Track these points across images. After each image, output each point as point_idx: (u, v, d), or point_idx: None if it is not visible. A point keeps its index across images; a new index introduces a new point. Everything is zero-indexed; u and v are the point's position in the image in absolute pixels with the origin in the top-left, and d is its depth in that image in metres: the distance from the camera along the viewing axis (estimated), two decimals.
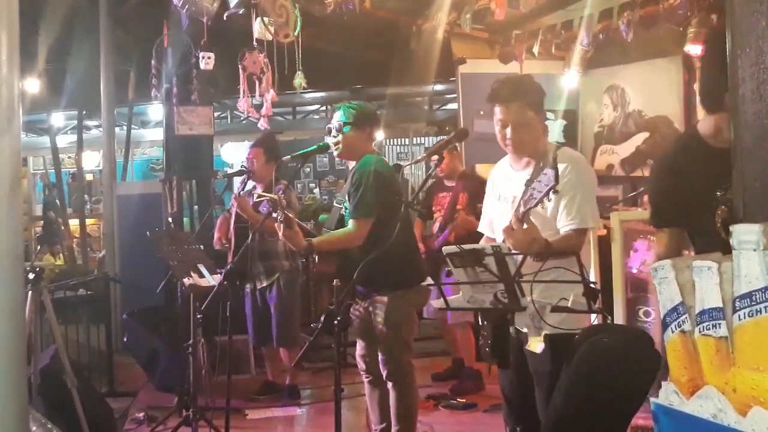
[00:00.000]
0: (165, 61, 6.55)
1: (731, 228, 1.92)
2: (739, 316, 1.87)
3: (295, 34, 5.36)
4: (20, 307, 2.77)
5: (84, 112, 10.72)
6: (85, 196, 12.32)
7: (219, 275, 4.60)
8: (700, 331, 1.99)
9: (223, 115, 14.16)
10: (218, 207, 7.95)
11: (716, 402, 1.90)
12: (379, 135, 9.46)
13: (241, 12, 5.44)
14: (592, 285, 2.62)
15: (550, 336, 2.91)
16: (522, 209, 2.80)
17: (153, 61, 6.35)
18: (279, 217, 3.67)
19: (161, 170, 9.94)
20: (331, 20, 5.59)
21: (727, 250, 1.93)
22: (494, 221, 3.34)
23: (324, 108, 13.83)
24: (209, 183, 7.45)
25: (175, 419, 5.01)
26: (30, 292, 4.09)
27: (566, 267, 2.61)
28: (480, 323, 3.01)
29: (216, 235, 5.69)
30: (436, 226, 6.12)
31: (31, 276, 4.14)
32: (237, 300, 5.05)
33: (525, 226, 2.80)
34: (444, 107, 13.73)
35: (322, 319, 2.84)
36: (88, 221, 11.29)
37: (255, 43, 5.49)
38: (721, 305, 1.94)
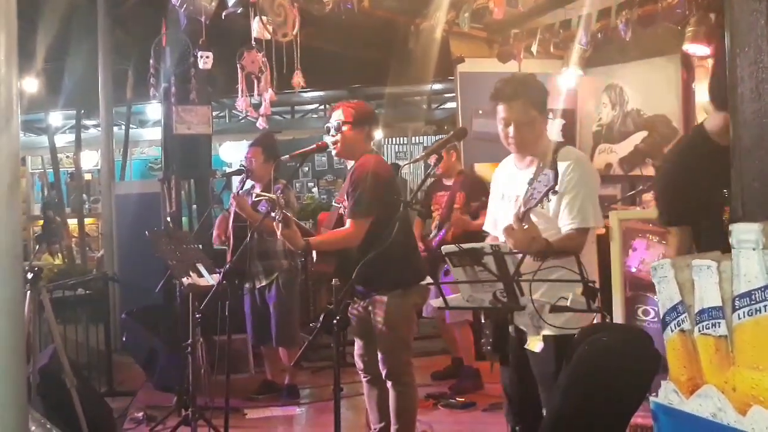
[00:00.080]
0: (163, 61, 6.53)
1: (730, 227, 1.92)
2: (739, 315, 1.87)
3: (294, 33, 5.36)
4: (19, 306, 2.77)
5: (82, 112, 10.70)
6: (84, 195, 12.31)
7: (218, 275, 4.59)
8: (699, 330, 1.99)
9: (222, 114, 14.16)
10: (217, 206, 7.95)
11: (716, 401, 1.90)
12: (378, 134, 9.47)
13: (239, 11, 5.43)
14: (591, 284, 2.62)
15: (554, 337, 2.91)
16: (522, 209, 2.80)
17: (151, 61, 6.33)
18: (277, 216, 3.66)
19: (160, 170, 9.93)
20: (330, 19, 5.58)
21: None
22: (498, 220, 3.34)
23: (322, 107, 13.83)
24: (208, 182, 7.44)
25: (174, 419, 5.01)
26: (29, 292, 4.09)
27: (565, 266, 2.61)
28: (482, 321, 3.01)
29: (215, 233, 5.69)
30: (434, 225, 6.12)
31: (29, 275, 4.13)
32: (236, 299, 5.04)
33: (525, 225, 2.80)
34: (442, 106, 13.73)
35: (321, 318, 2.84)
36: (87, 221, 11.27)
37: (253, 42, 5.48)
38: (720, 304, 1.94)
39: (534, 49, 6.15)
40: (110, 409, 5.21)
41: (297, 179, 14.46)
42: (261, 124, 5.94)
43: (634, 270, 5.16)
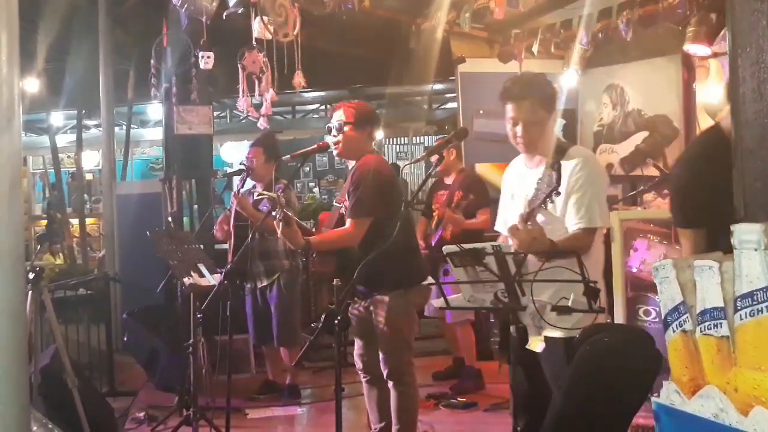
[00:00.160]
0: (164, 61, 6.54)
1: (732, 228, 1.92)
2: (741, 315, 1.87)
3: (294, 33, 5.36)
4: (21, 306, 2.77)
5: (83, 112, 10.72)
6: (85, 195, 12.31)
7: (219, 275, 4.60)
8: (701, 331, 1.99)
9: (223, 114, 14.16)
10: (218, 206, 7.95)
11: (718, 402, 1.90)
12: (379, 134, 9.47)
13: (240, 11, 5.43)
14: (592, 284, 2.62)
15: (564, 339, 2.91)
16: (526, 209, 2.81)
17: (152, 61, 6.34)
18: (278, 215, 3.67)
19: (161, 170, 9.94)
20: (331, 19, 5.59)
21: None
22: (508, 220, 3.34)
23: (323, 107, 13.83)
24: (209, 182, 7.44)
25: (176, 419, 5.01)
26: (30, 292, 4.09)
27: (568, 267, 2.61)
28: (491, 320, 3.01)
29: (216, 227, 5.67)
30: (434, 224, 6.12)
31: (31, 276, 4.13)
32: (237, 299, 5.04)
33: (530, 225, 2.81)
34: (443, 106, 13.73)
35: (323, 318, 2.84)
36: (88, 221, 11.28)
37: (254, 42, 5.48)
38: (722, 305, 1.94)
39: (535, 49, 6.15)
40: (111, 409, 5.21)
41: (298, 179, 14.47)
42: (262, 124, 5.95)
43: (635, 270, 5.16)
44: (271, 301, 5.64)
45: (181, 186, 7.11)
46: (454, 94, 7.78)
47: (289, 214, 3.76)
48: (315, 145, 3.95)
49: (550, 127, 3.25)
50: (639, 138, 6.33)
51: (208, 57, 5.80)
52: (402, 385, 3.96)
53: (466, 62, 6.77)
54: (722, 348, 1.93)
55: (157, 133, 12.45)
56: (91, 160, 13.42)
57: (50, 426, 3.77)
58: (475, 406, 5.43)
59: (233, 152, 13.61)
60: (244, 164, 5.53)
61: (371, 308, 3.93)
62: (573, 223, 3.06)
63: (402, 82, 9.25)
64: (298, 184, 14.61)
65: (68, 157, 13.63)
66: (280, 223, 3.67)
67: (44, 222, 12.24)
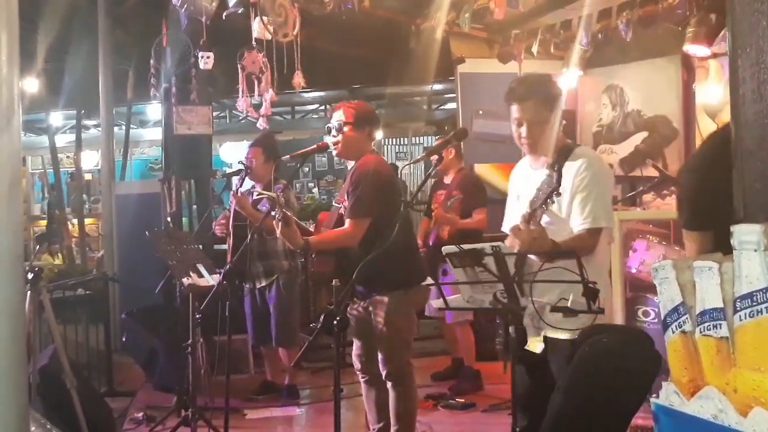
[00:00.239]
0: (164, 61, 6.53)
1: (732, 228, 1.92)
2: (740, 316, 1.87)
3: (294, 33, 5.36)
4: (20, 307, 2.77)
5: (83, 112, 10.70)
6: (84, 195, 12.30)
7: (218, 275, 4.59)
8: (700, 332, 1.99)
9: (222, 114, 14.16)
10: (217, 206, 7.95)
11: (717, 402, 1.90)
12: (378, 134, 9.48)
13: (240, 11, 5.44)
14: (591, 285, 2.61)
15: (570, 341, 2.90)
16: (528, 210, 2.81)
17: (152, 61, 6.34)
18: (277, 215, 3.66)
19: (160, 170, 9.93)
20: (330, 20, 5.59)
21: None
22: (514, 221, 3.34)
23: (323, 107, 13.83)
24: (208, 182, 7.44)
25: (174, 419, 5.01)
26: (29, 292, 4.08)
27: (568, 267, 2.60)
28: (497, 321, 3.00)
29: (216, 225, 5.66)
30: (433, 224, 6.12)
31: (30, 276, 4.13)
32: (236, 300, 5.04)
33: (532, 226, 2.81)
34: (443, 107, 13.73)
35: (322, 318, 2.84)
36: (87, 221, 11.27)
37: (254, 42, 5.48)
38: (721, 306, 1.94)
39: (534, 49, 6.16)
40: (110, 410, 5.21)
41: (297, 179, 14.46)
42: (261, 124, 5.95)
43: (634, 271, 5.16)
44: (270, 301, 5.64)
45: (180, 186, 7.10)
46: (454, 95, 7.79)
47: (289, 214, 3.76)
48: (314, 146, 3.95)
49: (555, 128, 3.24)
50: (638, 138, 6.33)
51: (208, 57, 5.80)
52: (401, 386, 3.95)
53: (466, 62, 6.78)
54: (722, 349, 1.93)
55: (156, 133, 12.44)
56: (91, 160, 13.40)
57: (48, 426, 3.77)
58: (474, 407, 5.43)
59: (232, 152, 13.60)
60: (243, 164, 5.53)
61: (370, 309, 3.93)
62: (577, 224, 3.05)
63: (402, 83, 9.26)
64: (298, 185, 14.60)
65: (67, 157, 13.60)
66: (280, 223, 3.67)
67: (43, 222, 12.24)
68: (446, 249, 2.76)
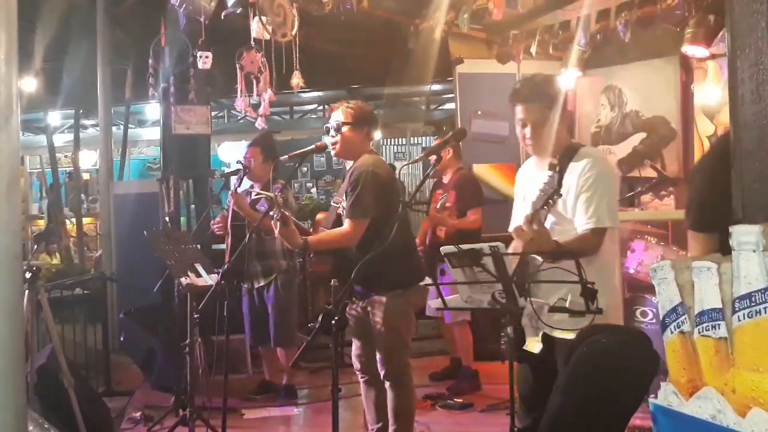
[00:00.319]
0: (162, 60, 6.53)
1: (730, 229, 1.92)
2: (739, 317, 1.87)
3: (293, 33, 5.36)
4: (18, 306, 2.76)
5: (81, 111, 10.70)
6: (82, 195, 12.30)
7: (216, 275, 4.59)
8: (699, 332, 1.99)
9: (221, 114, 14.15)
10: (215, 206, 7.94)
11: (715, 403, 1.90)
12: (377, 135, 9.47)
13: (238, 11, 5.43)
14: (589, 285, 2.61)
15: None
16: (530, 210, 2.81)
17: (150, 60, 6.33)
18: (275, 215, 3.66)
19: (158, 169, 9.94)
20: (329, 20, 5.59)
21: None
22: (519, 222, 3.34)
23: (321, 107, 13.82)
24: (206, 182, 7.44)
25: (172, 419, 5.00)
26: (27, 291, 4.08)
27: (568, 268, 2.60)
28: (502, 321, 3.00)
29: (212, 224, 5.65)
30: None
31: (28, 275, 4.12)
32: (234, 299, 5.04)
33: (534, 226, 2.81)
34: (441, 107, 13.74)
35: (320, 318, 2.84)
36: (85, 220, 11.27)
37: (253, 42, 5.48)
38: (720, 306, 1.94)
39: (533, 50, 6.15)
40: (108, 409, 5.20)
41: (296, 179, 14.45)
42: (260, 124, 5.94)
43: (632, 271, 5.17)
44: (268, 301, 5.63)
45: (179, 186, 7.10)
46: (452, 95, 7.79)
47: (287, 213, 3.76)
48: (313, 146, 3.94)
49: (559, 128, 3.24)
50: (637, 139, 6.33)
51: (206, 57, 5.80)
52: (399, 386, 3.95)
53: (465, 63, 6.78)
54: (720, 349, 1.93)
55: (154, 133, 12.45)
56: (89, 159, 13.40)
57: (46, 426, 3.77)
58: (472, 407, 5.43)
59: (231, 152, 13.60)
60: (241, 164, 5.53)
61: (369, 309, 3.93)
62: (581, 224, 3.05)
63: (400, 83, 9.26)
64: (296, 184, 14.59)
65: (65, 156, 13.61)
66: (278, 223, 3.67)
67: (41, 221, 12.23)
68: (444, 249, 2.76)
